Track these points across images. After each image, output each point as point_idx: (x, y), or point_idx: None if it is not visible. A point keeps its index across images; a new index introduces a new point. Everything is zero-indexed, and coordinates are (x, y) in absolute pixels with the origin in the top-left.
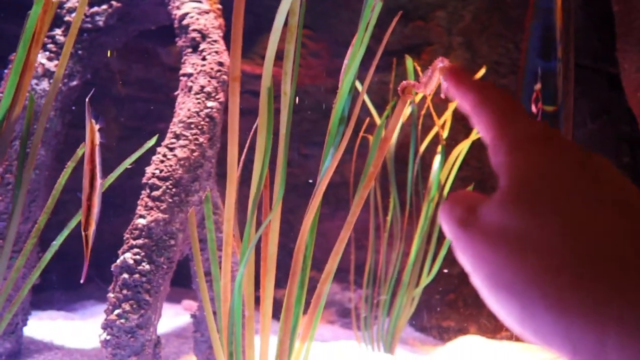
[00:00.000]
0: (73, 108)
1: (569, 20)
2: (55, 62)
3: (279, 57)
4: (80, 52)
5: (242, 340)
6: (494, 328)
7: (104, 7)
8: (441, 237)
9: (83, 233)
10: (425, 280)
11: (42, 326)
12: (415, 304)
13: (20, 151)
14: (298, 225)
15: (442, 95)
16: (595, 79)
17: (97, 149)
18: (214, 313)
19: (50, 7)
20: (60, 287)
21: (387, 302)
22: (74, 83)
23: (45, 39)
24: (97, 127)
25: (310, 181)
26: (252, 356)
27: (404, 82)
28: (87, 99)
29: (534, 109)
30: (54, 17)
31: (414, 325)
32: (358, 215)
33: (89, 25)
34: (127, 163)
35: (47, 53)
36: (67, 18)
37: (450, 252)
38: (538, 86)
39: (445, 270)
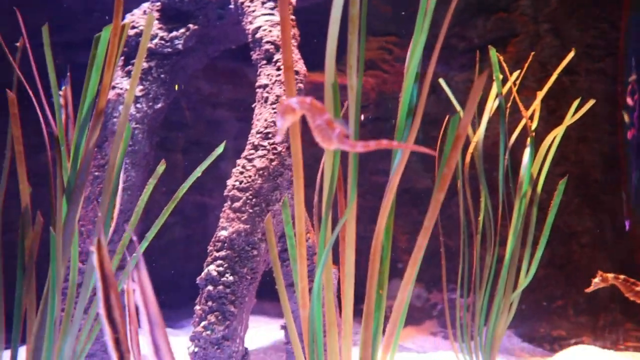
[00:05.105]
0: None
1: None
2: (140, 87)
3: (370, 67)
4: (162, 75)
5: (324, 348)
6: (615, 339)
7: (182, 30)
8: (537, 236)
9: None
10: (524, 283)
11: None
12: (513, 310)
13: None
14: (396, 235)
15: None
16: None
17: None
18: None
19: (118, 31)
20: (167, 306)
21: (483, 309)
22: (159, 105)
23: (130, 67)
24: None
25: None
26: None
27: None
28: None
29: (630, 101)
30: (136, 45)
31: (521, 335)
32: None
33: (169, 50)
34: (197, 172)
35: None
36: (149, 45)
37: (553, 255)
38: (633, 77)
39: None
